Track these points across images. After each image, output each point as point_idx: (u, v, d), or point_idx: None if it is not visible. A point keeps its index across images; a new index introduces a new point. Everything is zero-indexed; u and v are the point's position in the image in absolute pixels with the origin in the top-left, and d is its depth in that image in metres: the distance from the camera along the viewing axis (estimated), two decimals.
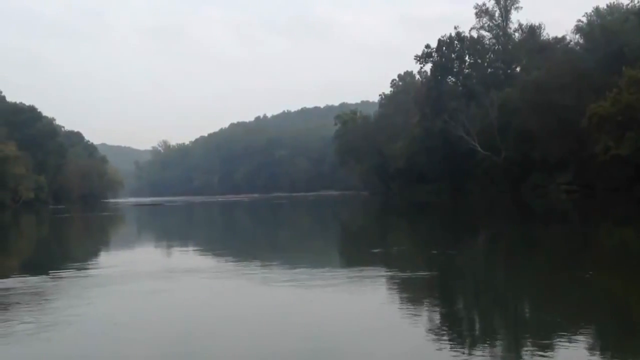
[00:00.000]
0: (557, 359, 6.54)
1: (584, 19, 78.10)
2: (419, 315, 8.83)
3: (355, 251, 18.95)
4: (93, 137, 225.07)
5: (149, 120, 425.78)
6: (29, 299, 10.67)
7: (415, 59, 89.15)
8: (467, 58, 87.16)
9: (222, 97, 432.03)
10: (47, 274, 13.66)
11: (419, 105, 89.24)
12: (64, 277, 13.38)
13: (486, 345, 7.17)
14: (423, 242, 20.99)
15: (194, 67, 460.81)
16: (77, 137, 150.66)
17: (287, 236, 27.92)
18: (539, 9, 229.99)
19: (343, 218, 44.26)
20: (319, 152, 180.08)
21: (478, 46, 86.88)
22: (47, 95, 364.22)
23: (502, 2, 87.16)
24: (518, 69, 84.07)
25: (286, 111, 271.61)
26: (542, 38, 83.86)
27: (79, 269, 15.01)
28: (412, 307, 9.52)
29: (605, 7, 78.11)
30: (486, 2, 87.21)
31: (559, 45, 78.31)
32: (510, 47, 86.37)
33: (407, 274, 12.59)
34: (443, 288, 11.49)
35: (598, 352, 6.87)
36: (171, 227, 39.18)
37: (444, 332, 7.84)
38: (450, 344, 7.10)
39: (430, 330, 7.90)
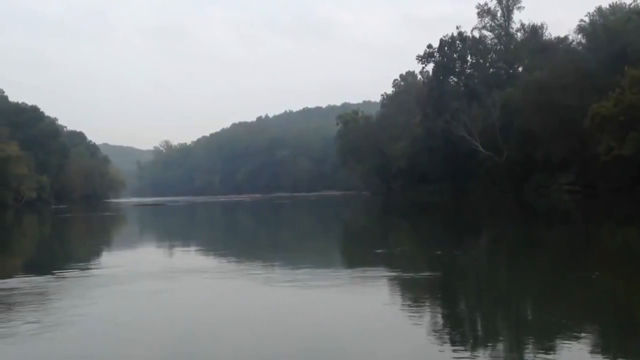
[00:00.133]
0: (559, 359, 6.53)
1: (587, 19, 78.08)
2: (422, 316, 8.82)
3: (358, 251, 18.93)
4: (95, 137, 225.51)
5: (151, 120, 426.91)
6: (33, 299, 10.69)
7: (417, 59, 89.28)
8: (469, 58, 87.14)
9: (224, 97, 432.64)
10: (50, 274, 13.68)
11: (420, 105, 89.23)
12: (67, 277, 13.40)
13: (489, 345, 7.16)
14: (426, 243, 20.95)
15: (196, 67, 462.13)
16: (79, 137, 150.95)
17: (290, 236, 27.91)
18: (541, 8, 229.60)
19: (345, 218, 44.24)
20: (321, 152, 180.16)
21: (480, 46, 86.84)
22: (50, 95, 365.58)
23: (504, 2, 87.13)
24: (520, 69, 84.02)
25: (288, 111, 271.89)
26: (544, 38, 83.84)
27: (81, 269, 15.03)
28: (414, 307, 9.52)
29: (607, 6, 78.07)
30: (488, 2, 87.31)
31: (561, 45, 78.26)
32: (512, 47, 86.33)
33: (411, 275, 12.57)
34: (446, 289, 11.47)
35: (601, 353, 6.86)
36: (173, 227, 39.19)
37: (447, 332, 7.84)
38: (453, 345, 7.10)
39: (432, 330, 7.89)
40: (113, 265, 15.65)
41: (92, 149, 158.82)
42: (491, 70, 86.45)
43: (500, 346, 7.22)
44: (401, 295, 10.78)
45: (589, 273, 12.33)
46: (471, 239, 21.99)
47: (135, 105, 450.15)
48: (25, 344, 7.58)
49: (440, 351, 6.89)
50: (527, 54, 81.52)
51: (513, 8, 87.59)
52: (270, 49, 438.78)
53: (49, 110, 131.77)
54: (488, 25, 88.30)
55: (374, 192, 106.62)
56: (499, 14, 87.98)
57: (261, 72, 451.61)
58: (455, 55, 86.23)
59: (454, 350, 6.84)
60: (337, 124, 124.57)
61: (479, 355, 6.69)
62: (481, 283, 12.26)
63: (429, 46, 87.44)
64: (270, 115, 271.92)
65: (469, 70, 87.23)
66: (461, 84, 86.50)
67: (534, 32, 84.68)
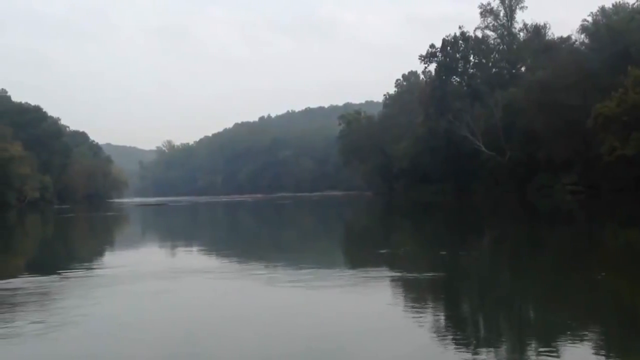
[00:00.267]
0: None
1: (590, 19, 77.86)
2: (425, 316, 8.81)
3: (361, 252, 18.91)
4: (98, 137, 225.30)
5: (154, 120, 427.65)
6: (37, 298, 10.73)
7: (419, 58, 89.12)
8: (471, 58, 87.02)
9: (226, 97, 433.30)
10: (54, 274, 13.72)
11: (423, 105, 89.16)
12: (71, 277, 13.43)
13: (492, 346, 7.16)
14: (430, 243, 20.92)
15: (199, 67, 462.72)
16: (82, 137, 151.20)
17: (292, 236, 27.91)
18: (544, 8, 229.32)
19: (348, 218, 44.24)
20: (323, 152, 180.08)
21: (483, 46, 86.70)
22: (53, 95, 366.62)
23: (507, 2, 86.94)
24: (523, 69, 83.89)
25: (290, 111, 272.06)
26: (547, 38, 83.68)
27: (85, 269, 15.06)
28: (418, 308, 9.51)
29: (610, 6, 77.84)
30: (491, 1, 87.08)
31: (564, 45, 78.10)
32: (515, 47, 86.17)
33: (414, 275, 12.57)
34: (450, 289, 11.46)
35: (605, 354, 6.85)
36: (176, 227, 39.22)
37: (449, 333, 7.84)
38: (455, 345, 7.09)
39: (435, 331, 7.89)
40: (116, 265, 15.67)
41: (95, 149, 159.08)
42: (494, 70, 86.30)
43: (504, 347, 7.21)
44: (405, 295, 10.77)
45: (593, 274, 12.31)
46: (474, 240, 21.96)
47: (138, 105, 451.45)
48: (30, 344, 7.61)
49: (442, 352, 6.88)
50: (529, 53, 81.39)
51: (516, 8, 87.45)
52: (273, 49, 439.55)
53: (51, 110, 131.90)
54: (491, 25, 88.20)
55: (376, 192, 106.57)
56: (501, 14, 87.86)
57: (263, 72, 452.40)
58: (457, 55, 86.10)
59: (457, 351, 6.83)
60: (340, 124, 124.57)
61: (481, 356, 6.68)
62: (485, 284, 12.24)
63: (432, 46, 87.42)
64: (273, 115, 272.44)
65: (471, 70, 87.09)
66: (464, 84, 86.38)
67: (537, 32, 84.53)
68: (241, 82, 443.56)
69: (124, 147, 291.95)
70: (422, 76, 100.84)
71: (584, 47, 74.02)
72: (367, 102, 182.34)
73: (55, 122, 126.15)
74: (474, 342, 7.39)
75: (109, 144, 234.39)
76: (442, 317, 8.96)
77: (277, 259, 16.94)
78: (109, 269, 14.80)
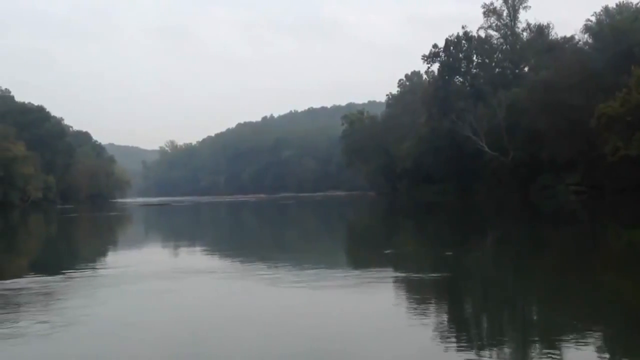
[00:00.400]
0: None
1: (593, 19, 77.78)
2: (428, 317, 8.82)
3: (366, 252, 18.92)
4: (101, 137, 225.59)
5: (157, 120, 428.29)
6: (42, 298, 10.78)
7: (422, 58, 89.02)
8: (474, 58, 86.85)
9: (229, 97, 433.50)
10: (59, 274, 13.76)
11: (426, 105, 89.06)
12: (75, 277, 13.47)
13: (495, 347, 7.15)
14: (434, 243, 20.90)
15: (201, 67, 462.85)
16: (85, 137, 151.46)
17: (296, 236, 27.93)
18: (547, 8, 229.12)
19: (351, 218, 44.26)
20: (326, 152, 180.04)
21: (486, 46, 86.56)
22: (56, 95, 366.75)
23: (510, 2, 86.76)
24: (526, 69, 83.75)
25: (293, 111, 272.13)
26: (550, 38, 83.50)
27: (89, 269, 15.12)
28: (422, 308, 9.50)
29: (614, 6, 77.78)
30: (494, 1, 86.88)
31: (567, 45, 77.95)
32: (518, 46, 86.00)
33: (419, 275, 12.57)
34: (454, 290, 11.46)
35: (608, 354, 6.86)
36: (179, 227, 39.29)
37: (453, 333, 7.84)
38: (458, 346, 7.10)
39: (438, 332, 7.89)
40: (120, 265, 15.70)
41: (98, 149, 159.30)
42: (497, 70, 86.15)
43: (507, 348, 7.21)
44: (409, 296, 10.78)
45: (596, 274, 12.31)
46: (478, 240, 21.95)
47: (141, 106, 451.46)
48: (35, 344, 7.64)
49: (445, 352, 6.88)
50: (533, 53, 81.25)
51: (519, 8, 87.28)
52: (276, 49, 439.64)
53: (55, 110, 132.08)
54: (494, 24, 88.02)
55: (379, 192, 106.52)
56: (505, 14, 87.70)
57: (266, 72, 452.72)
58: (461, 55, 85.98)
59: (460, 352, 6.83)
60: (343, 124, 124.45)
61: (485, 356, 6.68)
62: (490, 284, 12.22)
63: (435, 46, 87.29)
64: (275, 115, 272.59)
65: (474, 70, 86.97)
66: (467, 84, 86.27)
67: (540, 31, 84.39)
68: (244, 82, 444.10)
69: (126, 147, 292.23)
70: (425, 76, 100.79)
71: (587, 47, 73.89)
72: (370, 102, 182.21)
73: (58, 122, 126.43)
74: (478, 343, 7.39)
75: (111, 144, 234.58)
76: (446, 318, 8.97)
77: (280, 259, 16.93)
78: (113, 269, 14.83)
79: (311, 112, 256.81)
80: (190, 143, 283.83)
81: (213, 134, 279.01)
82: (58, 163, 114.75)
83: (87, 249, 23.55)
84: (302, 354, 7.04)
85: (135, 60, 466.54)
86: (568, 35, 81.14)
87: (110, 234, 33.62)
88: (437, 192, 78.07)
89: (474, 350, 6.89)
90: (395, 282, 12.09)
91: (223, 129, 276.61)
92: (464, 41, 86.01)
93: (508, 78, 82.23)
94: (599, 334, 7.73)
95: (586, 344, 7.09)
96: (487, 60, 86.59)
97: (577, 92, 58.12)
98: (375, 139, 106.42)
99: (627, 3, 76.13)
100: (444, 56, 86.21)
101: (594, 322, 8.30)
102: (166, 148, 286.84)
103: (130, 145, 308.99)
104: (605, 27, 70.22)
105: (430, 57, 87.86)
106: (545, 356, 6.64)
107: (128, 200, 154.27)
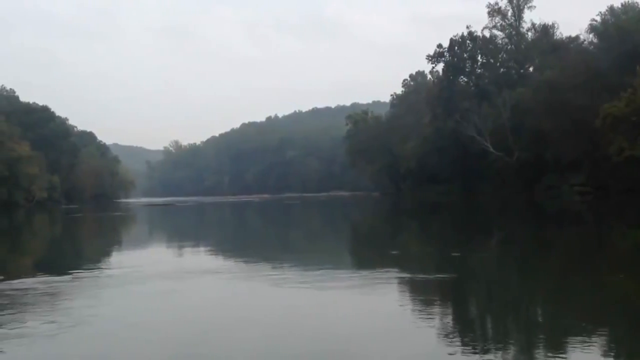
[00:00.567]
0: None
1: (598, 18, 77.42)
2: (434, 318, 8.81)
3: (371, 252, 18.90)
4: (105, 137, 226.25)
5: (161, 120, 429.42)
6: (48, 299, 10.81)
7: (427, 58, 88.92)
8: (479, 58, 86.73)
9: (233, 97, 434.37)
10: (65, 274, 13.79)
11: (430, 105, 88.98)
12: (81, 278, 13.50)
13: (500, 349, 7.14)
14: (440, 244, 20.84)
15: (206, 67, 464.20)
16: (89, 137, 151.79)
17: (301, 237, 27.93)
18: (552, 8, 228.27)
19: (356, 219, 44.24)
20: (330, 152, 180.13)
21: (490, 46, 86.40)
22: (60, 95, 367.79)
23: (515, 1, 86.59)
24: (531, 69, 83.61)
25: (297, 111, 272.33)
26: (555, 37, 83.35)
27: (95, 270, 15.15)
28: (427, 309, 9.49)
29: (619, 6, 77.38)
30: (499, 1, 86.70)
31: (572, 45, 77.78)
32: (523, 46, 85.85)
33: (425, 276, 12.53)
34: (460, 291, 11.43)
35: (613, 356, 6.84)
36: (183, 227, 39.35)
37: (458, 335, 7.82)
38: (463, 348, 7.08)
39: (444, 333, 7.87)
40: (125, 265, 15.74)
41: (103, 149, 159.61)
42: (502, 70, 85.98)
43: (512, 349, 7.18)
44: (415, 297, 10.76)
45: (602, 275, 12.26)
46: (484, 241, 21.90)
47: (145, 105, 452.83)
48: (43, 344, 7.66)
49: (450, 354, 6.85)
50: (538, 53, 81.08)
51: (524, 7, 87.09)
52: (280, 49, 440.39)
53: (59, 110, 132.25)
54: (499, 24, 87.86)
55: (383, 192, 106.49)
56: (509, 14, 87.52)
57: (271, 72, 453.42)
58: (465, 55, 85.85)
59: (464, 354, 6.81)
60: (347, 124, 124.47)
61: (490, 358, 6.67)
62: (495, 285, 12.19)
63: (439, 46, 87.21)
64: (280, 115, 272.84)
65: (479, 70, 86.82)
66: (471, 84, 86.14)
67: (545, 31, 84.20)
68: (248, 82, 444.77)
69: (131, 147, 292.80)
70: (429, 76, 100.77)
71: (592, 46, 73.68)
72: (374, 102, 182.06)
73: (63, 122, 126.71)
74: (483, 344, 7.37)
75: (116, 144, 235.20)
76: (452, 319, 8.95)
77: (285, 260, 16.93)
78: (118, 270, 14.86)
79: (315, 112, 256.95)
80: (195, 143, 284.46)
81: (217, 134, 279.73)
82: (63, 163, 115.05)
83: (92, 249, 23.60)
84: (307, 355, 7.05)
85: (139, 60, 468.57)
86: (573, 35, 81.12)
87: (115, 234, 33.68)
88: (442, 192, 77.95)
89: (479, 352, 6.88)
90: (400, 282, 12.06)
91: (227, 129, 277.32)
92: (468, 41, 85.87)
93: (513, 78, 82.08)
94: (605, 335, 7.71)
95: (592, 345, 7.06)
96: (491, 60, 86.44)
97: (582, 92, 57.99)
98: (380, 139, 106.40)
99: (633, 3, 75.81)
100: (449, 56, 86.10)
101: (600, 324, 8.27)
102: (170, 148, 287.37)
103: (134, 145, 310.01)
104: (610, 27, 69.97)
105: (435, 57, 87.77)
106: (551, 358, 6.62)
107: (132, 200, 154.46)
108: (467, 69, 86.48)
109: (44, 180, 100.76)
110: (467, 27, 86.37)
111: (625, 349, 7.13)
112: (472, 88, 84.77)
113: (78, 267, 15.60)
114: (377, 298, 10.50)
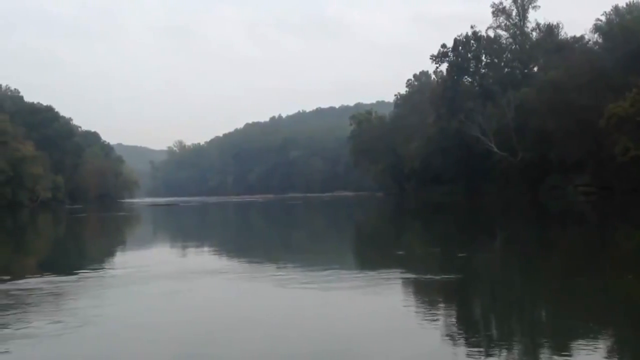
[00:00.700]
0: None
1: (603, 18, 77.33)
2: (437, 319, 8.80)
3: (376, 253, 18.88)
4: (109, 137, 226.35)
5: (165, 121, 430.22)
6: (53, 299, 10.84)
7: (431, 58, 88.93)
8: (483, 58, 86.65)
9: (236, 97, 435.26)
10: (70, 274, 13.83)
11: (434, 105, 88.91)
12: (86, 278, 13.53)
13: (504, 349, 7.12)
14: (444, 244, 20.80)
15: (209, 66, 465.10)
16: (93, 137, 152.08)
17: (305, 237, 27.92)
18: (557, 8, 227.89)
19: (360, 219, 44.21)
20: (334, 152, 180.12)
21: (495, 45, 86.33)
22: (64, 95, 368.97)
23: (519, 1, 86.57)
24: (535, 69, 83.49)
25: (301, 111, 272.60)
26: (560, 37, 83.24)
27: (99, 270, 15.20)
28: (432, 310, 9.48)
29: (624, 5, 77.27)
30: (503, 1, 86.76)
31: (577, 45, 77.65)
32: (527, 46, 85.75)
33: (430, 277, 12.50)
34: (465, 291, 11.41)
35: (618, 357, 6.82)
36: (187, 227, 39.40)
37: (462, 335, 7.81)
38: (467, 348, 7.07)
39: (448, 333, 7.87)
40: (130, 265, 15.76)
41: (107, 149, 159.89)
42: (506, 70, 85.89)
43: (517, 349, 7.17)
44: (420, 297, 10.75)
45: (606, 276, 12.23)
46: (488, 241, 21.86)
47: (149, 105, 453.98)
48: (47, 344, 7.69)
49: (453, 354, 6.86)
50: (542, 53, 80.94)
51: (528, 7, 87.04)
52: (283, 49, 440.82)
53: (63, 110, 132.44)
54: (503, 24, 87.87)
55: (387, 192, 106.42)
56: (514, 13, 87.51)
57: (274, 72, 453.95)
58: (469, 55, 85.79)
59: (468, 355, 6.80)
60: (351, 124, 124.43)
61: (494, 359, 6.67)
62: (500, 286, 12.16)
63: (443, 46, 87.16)
64: (284, 115, 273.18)
65: (483, 70, 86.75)
66: (475, 84, 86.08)
67: (550, 31, 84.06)
68: (252, 82, 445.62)
69: (135, 147, 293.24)
70: (433, 76, 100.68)
71: (597, 46, 73.55)
72: (378, 102, 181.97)
73: (67, 122, 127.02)
74: (487, 345, 7.35)
75: (120, 144, 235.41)
76: (456, 320, 8.94)
77: (289, 260, 16.95)
78: (123, 270, 14.89)
79: (319, 112, 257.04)
80: (199, 143, 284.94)
81: (221, 134, 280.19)
82: (67, 163, 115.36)
83: (96, 250, 23.66)
84: (311, 355, 7.05)
85: (142, 60, 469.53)
86: (577, 35, 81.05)
87: (119, 234, 33.76)
88: (446, 192, 77.90)
89: (483, 352, 6.87)
90: (405, 283, 12.04)
91: (231, 129, 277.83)
92: (472, 41, 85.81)
93: (517, 78, 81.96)
94: (610, 336, 7.69)
95: (596, 346, 7.05)
96: (496, 60, 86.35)
97: (586, 92, 57.86)
98: (384, 139, 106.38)
99: (637, 3, 75.68)
100: (453, 56, 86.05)
101: (605, 324, 8.26)
102: (174, 148, 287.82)
103: (138, 145, 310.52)
104: (615, 27, 69.82)
105: (439, 57, 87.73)
106: (556, 359, 6.61)
107: (136, 200, 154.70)
108: (471, 69, 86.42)
109: (48, 180, 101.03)
110: (472, 27, 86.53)
111: (631, 350, 7.11)
112: (476, 88, 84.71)
113: (83, 267, 15.64)
114: (381, 299, 10.48)
